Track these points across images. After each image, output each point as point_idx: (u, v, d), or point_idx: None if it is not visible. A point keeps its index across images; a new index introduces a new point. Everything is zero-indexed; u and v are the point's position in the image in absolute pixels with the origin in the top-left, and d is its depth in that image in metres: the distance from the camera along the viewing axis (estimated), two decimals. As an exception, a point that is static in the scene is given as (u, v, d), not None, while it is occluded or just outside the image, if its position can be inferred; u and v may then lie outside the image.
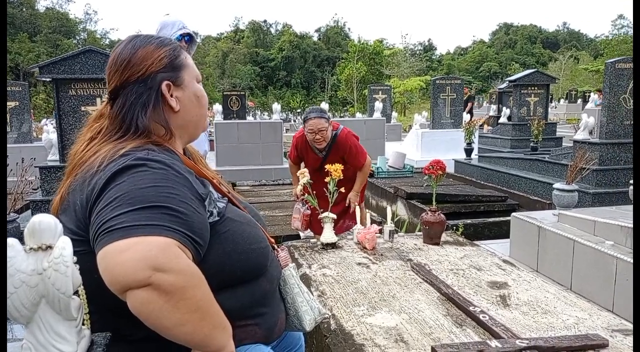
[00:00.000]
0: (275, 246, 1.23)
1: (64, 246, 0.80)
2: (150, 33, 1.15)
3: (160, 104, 1.03)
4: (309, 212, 3.33)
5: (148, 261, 0.79)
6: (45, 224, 0.81)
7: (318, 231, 3.30)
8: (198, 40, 2.72)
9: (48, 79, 4.03)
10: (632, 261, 2.67)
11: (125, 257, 0.79)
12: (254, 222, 1.14)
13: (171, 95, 1.05)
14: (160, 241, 0.82)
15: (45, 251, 0.80)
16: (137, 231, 0.82)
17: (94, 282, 0.84)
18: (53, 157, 4.61)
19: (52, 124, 12.32)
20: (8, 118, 8.22)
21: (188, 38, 2.66)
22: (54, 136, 4.45)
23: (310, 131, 3.35)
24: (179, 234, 0.86)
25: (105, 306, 0.92)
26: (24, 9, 41.62)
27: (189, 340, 0.86)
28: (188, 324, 0.83)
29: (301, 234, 3.80)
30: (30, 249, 0.80)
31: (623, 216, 3.14)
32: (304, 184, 2.91)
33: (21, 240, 0.82)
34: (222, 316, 0.91)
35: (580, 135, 5.60)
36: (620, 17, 55.45)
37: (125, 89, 1.02)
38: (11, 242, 0.79)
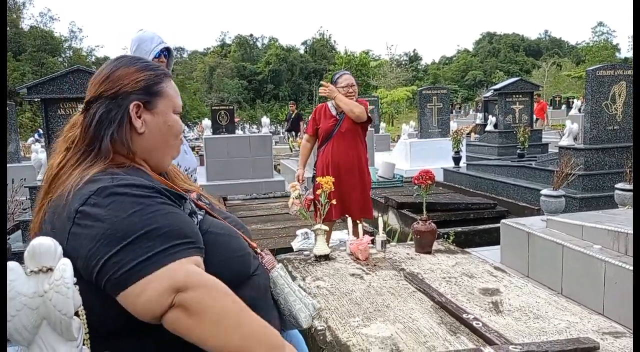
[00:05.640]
0: (258, 250, 1.21)
1: (65, 267, 0.81)
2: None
3: (125, 123, 1.05)
4: (311, 197, 3.45)
5: (170, 288, 0.85)
6: (45, 247, 0.82)
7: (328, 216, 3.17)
8: (175, 53, 2.71)
9: (37, 99, 4.03)
10: (620, 263, 2.73)
11: (145, 298, 0.85)
12: (234, 231, 1.13)
13: (139, 117, 1.05)
14: (170, 269, 0.86)
15: (45, 273, 0.81)
16: (142, 270, 0.85)
17: (86, 307, 0.86)
18: (42, 177, 4.57)
19: (39, 142, 12.22)
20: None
21: (166, 52, 2.62)
22: (43, 156, 4.44)
23: (346, 85, 3.74)
24: (180, 251, 0.89)
25: (100, 329, 0.92)
26: (8, 28, 41.37)
27: None
28: (218, 336, 0.87)
29: (294, 246, 3.82)
30: (31, 271, 0.81)
31: (609, 219, 3.20)
32: (295, 197, 2.93)
33: (14, 260, 0.83)
34: (258, 327, 0.92)
35: (565, 141, 5.71)
36: (600, 24, 56.91)
37: (97, 102, 1.05)
38: (12, 265, 0.80)
